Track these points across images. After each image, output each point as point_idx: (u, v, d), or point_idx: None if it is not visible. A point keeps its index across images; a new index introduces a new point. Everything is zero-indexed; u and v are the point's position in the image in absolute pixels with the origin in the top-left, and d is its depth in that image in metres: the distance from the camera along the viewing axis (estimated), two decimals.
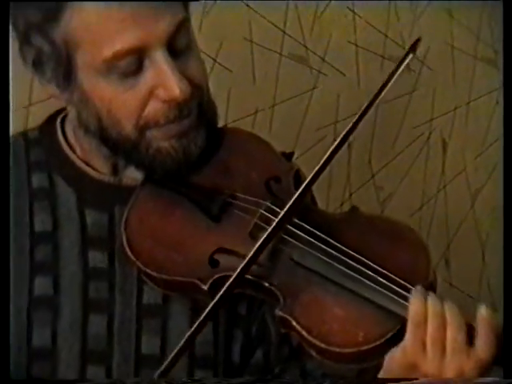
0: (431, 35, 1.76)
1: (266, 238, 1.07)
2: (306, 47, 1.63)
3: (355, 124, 1.11)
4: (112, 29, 1.07)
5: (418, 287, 1.02)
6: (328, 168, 1.08)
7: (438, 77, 1.82)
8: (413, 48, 1.16)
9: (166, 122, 1.12)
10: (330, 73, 1.66)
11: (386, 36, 1.70)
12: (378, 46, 1.70)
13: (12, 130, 1.27)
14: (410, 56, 1.14)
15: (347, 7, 1.65)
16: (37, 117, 1.32)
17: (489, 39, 1.82)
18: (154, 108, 1.11)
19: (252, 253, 1.06)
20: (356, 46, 1.65)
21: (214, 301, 1.04)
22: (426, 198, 1.85)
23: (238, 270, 1.05)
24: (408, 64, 1.20)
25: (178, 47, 1.10)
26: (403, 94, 1.77)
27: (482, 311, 1.00)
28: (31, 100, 1.51)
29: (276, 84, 1.64)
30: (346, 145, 1.10)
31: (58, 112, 1.22)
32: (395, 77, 1.12)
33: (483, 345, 1.01)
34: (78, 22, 1.08)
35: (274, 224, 1.08)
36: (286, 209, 1.08)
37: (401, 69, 1.13)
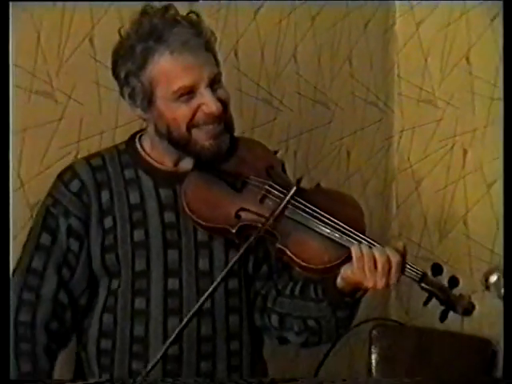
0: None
1: (280, 206, 1.44)
2: None
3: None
4: (177, 74, 1.46)
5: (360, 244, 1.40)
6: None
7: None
8: (298, 184, 1.50)
9: (205, 124, 1.47)
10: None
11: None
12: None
13: (104, 145, 1.69)
14: (294, 189, 1.47)
15: None
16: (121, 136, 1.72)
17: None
18: (198, 116, 1.48)
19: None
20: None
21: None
22: (338, 185, 2.35)
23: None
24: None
25: (215, 85, 1.48)
26: (320, 126, 2.23)
27: (399, 244, 1.42)
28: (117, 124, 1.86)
29: None
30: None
31: (136, 133, 1.60)
32: (282, 205, 1.44)
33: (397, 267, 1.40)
34: (157, 69, 1.47)
35: (287, 198, 1.45)
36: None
37: (287, 199, 1.44)
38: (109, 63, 1.52)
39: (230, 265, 1.44)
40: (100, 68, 1.80)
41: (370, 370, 2.41)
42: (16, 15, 1.57)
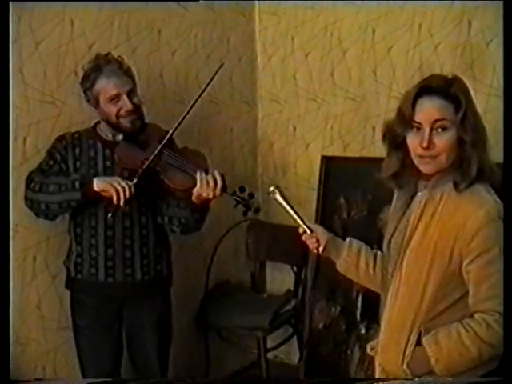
0: None
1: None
2: None
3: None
4: (110, 88, 2.28)
5: (202, 173, 2.18)
6: None
7: None
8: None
9: (126, 116, 2.32)
10: None
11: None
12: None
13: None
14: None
15: None
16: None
17: None
18: (122, 112, 2.32)
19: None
20: None
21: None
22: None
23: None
24: None
25: (131, 94, 2.35)
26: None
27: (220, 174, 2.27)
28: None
29: None
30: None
31: (97, 122, 2.44)
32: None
33: None
34: (100, 86, 2.31)
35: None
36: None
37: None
38: None
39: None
40: None
41: (247, 248, 3.39)
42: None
